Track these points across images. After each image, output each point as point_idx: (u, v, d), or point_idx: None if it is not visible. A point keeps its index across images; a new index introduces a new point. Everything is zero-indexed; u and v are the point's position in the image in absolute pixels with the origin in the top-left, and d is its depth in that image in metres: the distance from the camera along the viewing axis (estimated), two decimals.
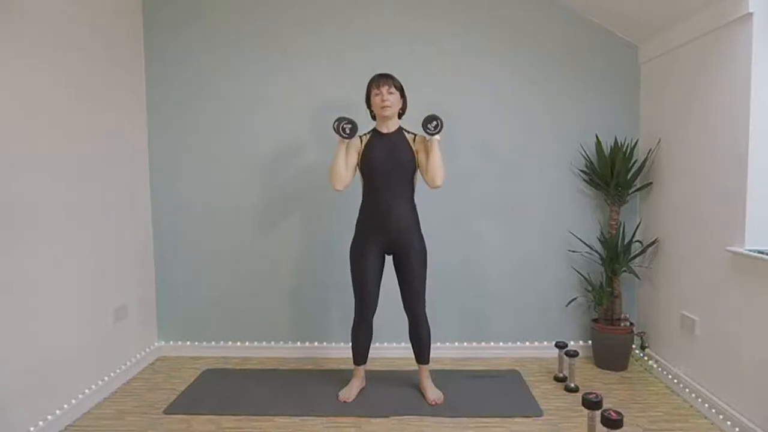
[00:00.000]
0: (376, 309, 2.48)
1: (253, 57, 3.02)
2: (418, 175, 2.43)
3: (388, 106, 2.33)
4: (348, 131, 2.31)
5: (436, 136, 2.30)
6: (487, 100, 3.00)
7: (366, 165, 2.36)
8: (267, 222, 3.08)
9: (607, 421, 1.80)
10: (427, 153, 2.33)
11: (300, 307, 3.12)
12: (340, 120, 2.31)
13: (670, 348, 2.71)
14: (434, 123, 2.27)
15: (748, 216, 2.10)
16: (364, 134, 2.43)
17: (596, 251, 2.96)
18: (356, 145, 2.40)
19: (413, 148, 2.38)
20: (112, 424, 2.30)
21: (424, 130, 2.29)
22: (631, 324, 2.92)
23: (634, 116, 3.01)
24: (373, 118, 2.46)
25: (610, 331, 2.85)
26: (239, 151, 3.06)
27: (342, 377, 2.69)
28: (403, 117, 2.47)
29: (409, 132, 2.42)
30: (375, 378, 2.68)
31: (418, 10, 2.98)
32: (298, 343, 3.14)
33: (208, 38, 3.03)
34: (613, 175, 2.82)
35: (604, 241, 2.94)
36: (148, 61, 3.04)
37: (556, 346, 2.76)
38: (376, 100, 2.35)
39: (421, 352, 2.49)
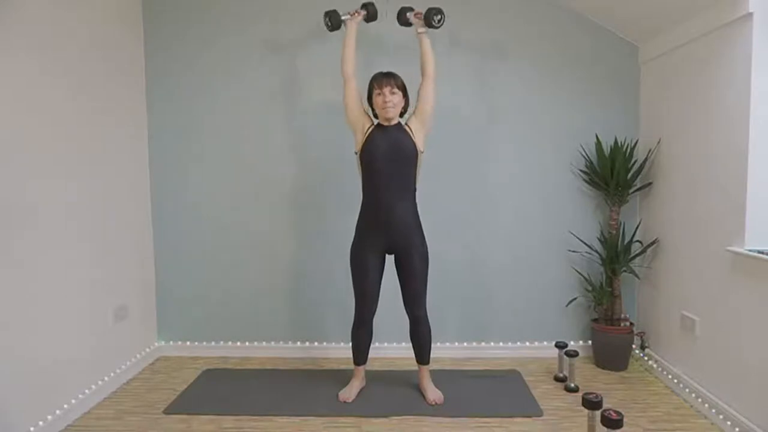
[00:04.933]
0: (376, 309, 2.48)
1: (253, 57, 3.02)
2: (419, 174, 2.42)
3: (390, 108, 2.32)
4: (331, 24, 2.45)
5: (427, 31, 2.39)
6: (487, 100, 3.00)
7: (367, 154, 2.34)
8: (267, 222, 3.08)
9: (607, 421, 1.80)
10: (420, 45, 2.41)
11: (300, 307, 3.12)
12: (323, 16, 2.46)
13: (670, 348, 2.71)
14: (439, 17, 2.34)
15: (748, 216, 2.10)
16: (371, 125, 2.40)
17: (596, 251, 2.96)
18: (363, 122, 2.40)
19: (414, 139, 2.36)
20: (112, 424, 2.30)
21: (429, 23, 2.36)
22: (631, 324, 2.92)
23: (634, 116, 3.01)
24: (375, 116, 2.45)
25: (610, 331, 2.85)
26: (239, 151, 3.06)
27: (342, 377, 2.69)
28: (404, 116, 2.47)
29: (403, 124, 2.40)
30: (375, 378, 2.68)
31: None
32: (298, 343, 3.14)
33: (208, 38, 3.03)
34: (613, 175, 2.82)
35: (604, 241, 2.94)
36: (148, 62, 3.04)
37: (556, 346, 2.76)
38: (378, 100, 2.34)
39: (422, 353, 2.49)
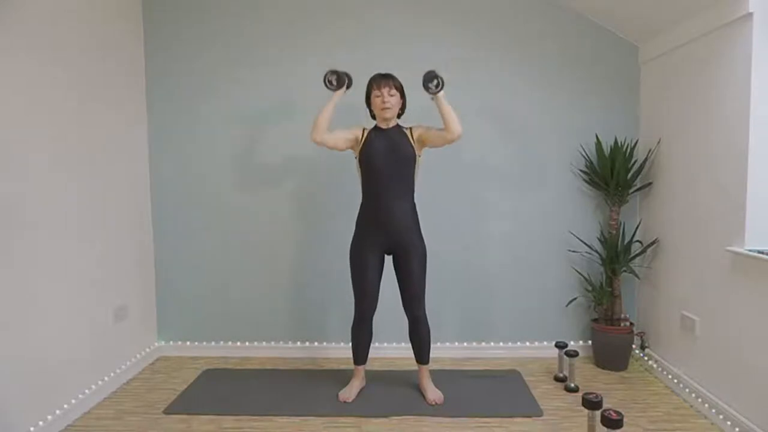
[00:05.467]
0: (375, 309, 2.48)
1: (252, 57, 3.02)
2: (418, 175, 2.43)
3: (388, 108, 2.33)
4: (334, 82, 2.35)
5: (440, 93, 2.27)
6: (487, 101, 3.00)
7: (366, 159, 2.36)
8: (267, 222, 3.08)
9: (607, 421, 1.80)
10: (439, 110, 2.27)
11: (300, 307, 3.12)
12: (326, 73, 2.35)
13: (670, 348, 2.71)
14: (435, 82, 2.25)
15: (748, 216, 2.10)
16: (365, 129, 2.42)
17: (596, 251, 2.96)
18: (358, 133, 2.40)
19: (413, 142, 2.37)
20: (112, 424, 2.30)
21: (425, 89, 2.27)
22: (631, 324, 2.92)
23: (634, 116, 3.01)
24: (373, 117, 2.46)
25: (610, 331, 2.85)
26: (239, 151, 3.06)
27: (342, 377, 2.69)
28: (403, 116, 2.47)
29: (405, 127, 2.42)
30: (375, 378, 2.68)
31: (419, 11, 2.98)
32: (298, 343, 3.14)
33: (208, 38, 3.03)
34: (613, 175, 2.82)
35: (604, 241, 2.94)
36: (148, 61, 3.04)
37: (556, 346, 2.76)
38: (376, 101, 2.36)
39: (421, 353, 2.49)
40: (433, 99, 2.30)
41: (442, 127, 2.30)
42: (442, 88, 2.26)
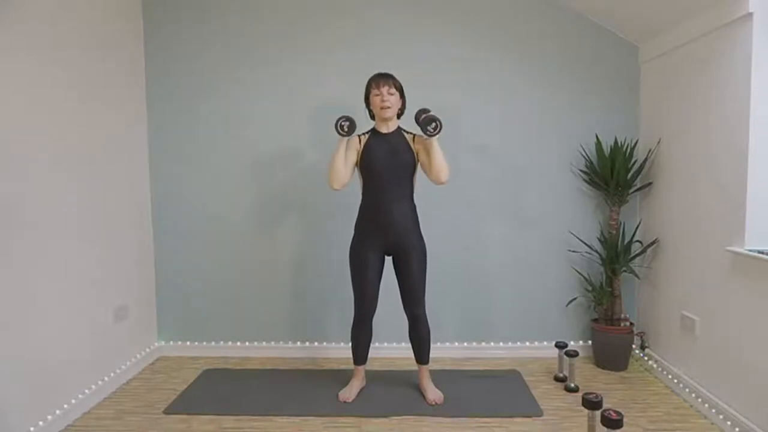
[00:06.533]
0: (375, 309, 2.48)
1: (252, 57, 3.02)
2: (418, 175, 2.43)
3: (387, 107, 2.33)
4: (346, 129, 2.29)
5: (435, 137, 2.27)
6: (487, 101, 3.00)
7: (365, 164, 2.36)
8: (267, 222, 3.08)
9: (607, 421, 1.80)
10: (428, 152, 2.31)
11: (300, 307, 3.12)
12: (339, 118, 2.30)
13: (670, 348, 2.71)
14: (433, 125, 2.22)
15: (748, 216, 2.10)
16: (363, 134, 2.42)
17: (596, 251, 2.96)
18: (355, 144, 2.39)
19: (413, 148, 2.38)
20: (112, 424, 2.30)
21: (423, 131, 2.25)
22: (631, 324, 2.92)
23: (634, 116, 3.01)
24: (372, 117, 2.46)
25: (610, 331, 2.85)
26: (239, 151, 3.06)
27: (342, 377, 2.69)
28: (402, 117, 2.47)
29: (408, 132, 2.42)
30: (375, 378, 2.68)
31: (419, 11, 2.98)
32: (298, 343, 3.14)
33: (208, 38, 3.03)
34: (613, 175, 2.82)
35: (604, 241, 2.94)
36: (148, 61, 3.04)
37: (556, 346, 2.76)
38: (375, 100, 2.35)
39: (421, 353, 2.49)
40: (426, 140, 2.28)
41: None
42: (439, 132, 2.24)
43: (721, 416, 2.21)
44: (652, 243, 2.85)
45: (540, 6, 2.97)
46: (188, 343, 3.16)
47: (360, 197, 2.45)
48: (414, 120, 2.36)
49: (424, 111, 2.33)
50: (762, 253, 2.00)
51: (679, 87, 2.60)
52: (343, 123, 2.29)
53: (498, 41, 2.99)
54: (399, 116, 2.45)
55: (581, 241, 3.01)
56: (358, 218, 2.45)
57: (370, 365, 2.66)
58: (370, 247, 2.39)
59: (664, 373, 2.68)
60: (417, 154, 2.38)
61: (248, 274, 3.11)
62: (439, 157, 2.28)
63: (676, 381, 2.57)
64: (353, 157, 2.38)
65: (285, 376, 2.80)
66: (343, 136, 2.30)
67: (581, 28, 2.97)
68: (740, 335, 2.15)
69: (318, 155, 3.02)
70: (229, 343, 3.16)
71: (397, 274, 2.44)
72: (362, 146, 2.39)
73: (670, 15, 2.53)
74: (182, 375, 2.84)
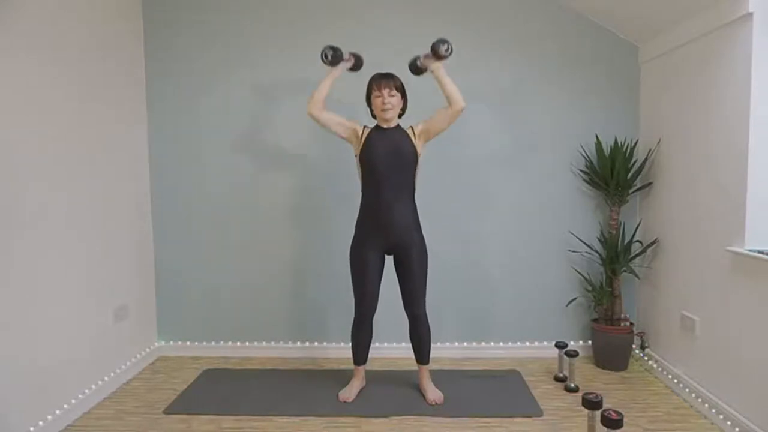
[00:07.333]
0: (376, 309, 2.48)
1: (252, 57, 3.02)
2: (418, 174, 2.42)
3: (388, 109, 2.33)
4: (330, 57, 2.35)
5: (441, 62, 2.29)
6: (487, 100, 2.99)
7: (367, 157, 2.35)
8: (267, 222, 3.08)
9: (607, 421, 1.80)
10: (440, 82, 2.31)
11: (300, 307, 3.12)
12: (324, 48, 2.36)
13: (670, 348, 2.71)
14: (446, 46, 2.26)
15: (748, 216, 2.10)
16: (366, 126, 2.42)
17: (596, 251, 2.96)
18: (357, 130, 2.39)
19: (415, 143, 2.37)
20: (112, 424, 2.30)
21: (435, 54, 2.27)
22: (631, 324, 2.92)
23: (634, 116, 3.01)
24: (374, 117, 2.45)
25: (610, 331, 2.85)
26: (239, 151, 3.06)
27: (342, 377, 2.69)
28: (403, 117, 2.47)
29: (405, 126, 2.41)
30: (375, 378, 2.68)
31: (419, 11, 2.98)
32: (298, 343, 3.14)
33: (208, 38, 3.03)
34: (613, 175, 2.82)
35: (604, 241, 2.94)
36: (148, 61, 3.04)
37: (556, 346, 2.76)
38: (376, 102, 2.35)
39: (421, 352, 2.49)
40: (435, 71, 2.31)
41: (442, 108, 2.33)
42: (451, 54, 2.28)
43: (721, 416, 2.21)
44: (652, 243, 2.85)
45: (540, 6, 2.97)
46: (188, 343, 3.16)
47: (360, 196, 2.45)
48: (409, 68, 2.44)
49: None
50: (762, 253, 2.00)
51: (679, 87, 2.61)
52: (327, 52, 2.35)
53: (498, 41, 2.99)
54: (401, 116, 2.44)
55: (581, 241, 3.01)
56: (358, 217, 2.45)
57: (370, 365, 2.66)
58: (370, 246, 2.39)
59: (664, 373, 2.68)
60: (420, 138, 2.37)
61: (248, 274, 3.10)
62: (450, 84, 2.30)
63: (676, 381, 2.57)
64: (348, 126, 2.39)
65: (285, 376, 2.80)
66: (326, 64, 2.36)
67: (581, 28, 2.98)
68: (740, 335, 2.15)
69: (319, 155, 3.02)
70: (229, 343, 3.16)
71: (397, 273, 2.44)
72: (363, 138, 2.38)
73: (670, 15, 2.53)
74: (182, 375, 2.84)
